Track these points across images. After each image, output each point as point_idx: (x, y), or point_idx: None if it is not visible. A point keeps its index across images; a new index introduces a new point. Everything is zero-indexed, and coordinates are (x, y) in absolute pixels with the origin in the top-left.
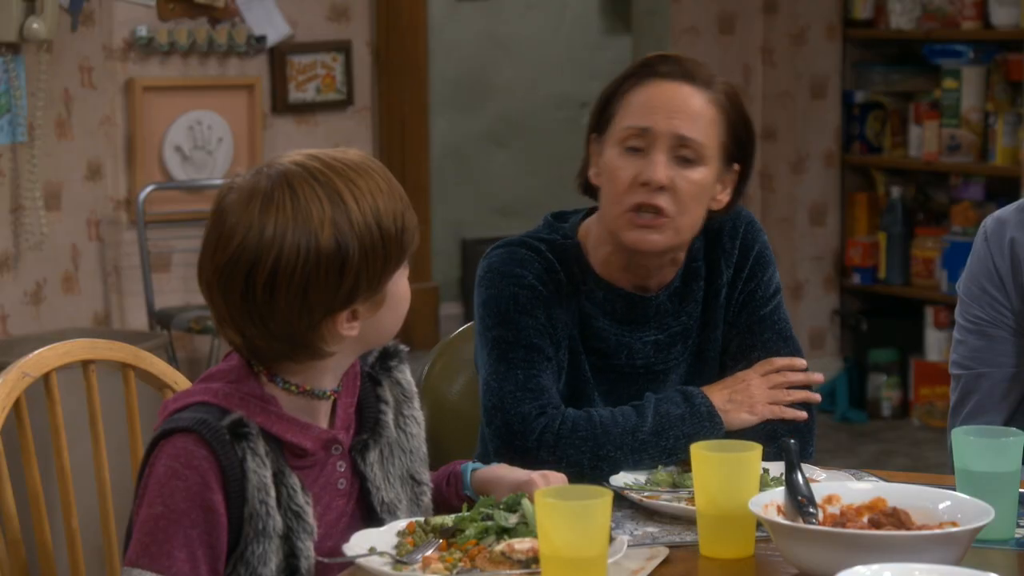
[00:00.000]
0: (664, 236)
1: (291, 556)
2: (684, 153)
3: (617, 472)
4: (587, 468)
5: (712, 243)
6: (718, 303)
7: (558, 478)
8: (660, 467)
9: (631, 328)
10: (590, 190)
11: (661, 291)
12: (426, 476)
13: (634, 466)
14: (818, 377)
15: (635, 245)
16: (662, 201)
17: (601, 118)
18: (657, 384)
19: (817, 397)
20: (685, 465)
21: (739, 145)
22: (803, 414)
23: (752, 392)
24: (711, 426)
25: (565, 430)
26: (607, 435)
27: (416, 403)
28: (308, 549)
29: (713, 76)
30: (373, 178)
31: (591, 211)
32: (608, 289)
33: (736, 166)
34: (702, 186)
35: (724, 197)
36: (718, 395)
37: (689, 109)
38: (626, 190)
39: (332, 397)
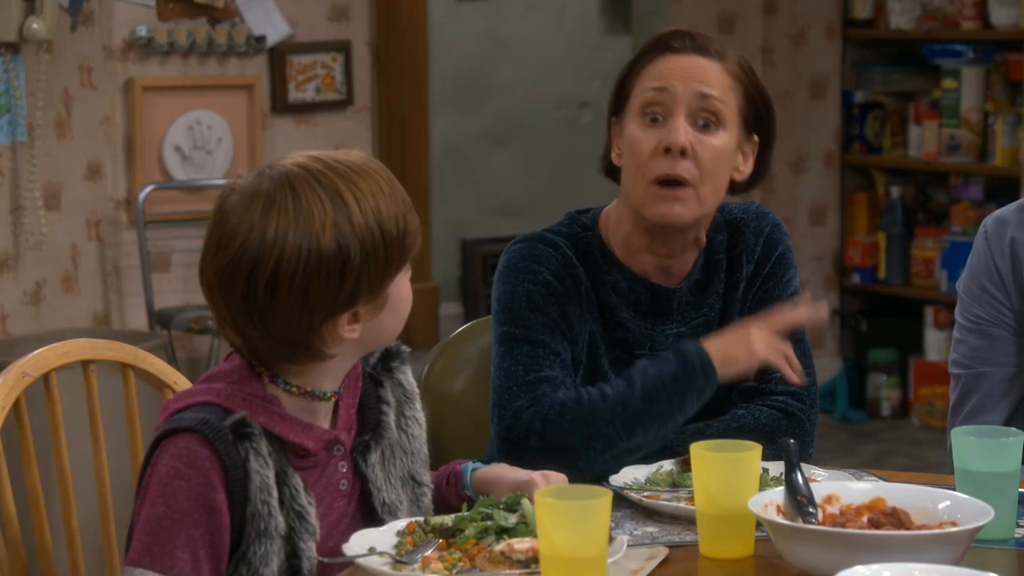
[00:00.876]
0: (688, 208)
1: (293, 557)
2: (704, 116)
3: (613, 450)
4: (581, 449)
5: (735, 239)
6: (735, 296)
7: (558, 478)
8: (660, 467)
9: (654, 321)
10: (612, 172)
11: (683, 283)
12: (427, 477)
13: (628, 439)
14: (824, 312)
15: (661, 219)
16: (684, 169)
17: (619, 98)
18: None
19: (824, 315)
20: (685, 464)
21: (757, 114)
22: (800, 380)
23: (752, 336)
24: (703, 378)
25: (553, 414)
26: (595, 412)
27: (418, 404)
28: (310, 550)
29: (726, 49)
30: (375, 180)
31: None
32: (633, 279)
33: (755, 137)
34: (723, 152)
35: (746, 168)
36: (716, 341)
37: (706, 75)
38: (648, 160)
39: (332, 399)
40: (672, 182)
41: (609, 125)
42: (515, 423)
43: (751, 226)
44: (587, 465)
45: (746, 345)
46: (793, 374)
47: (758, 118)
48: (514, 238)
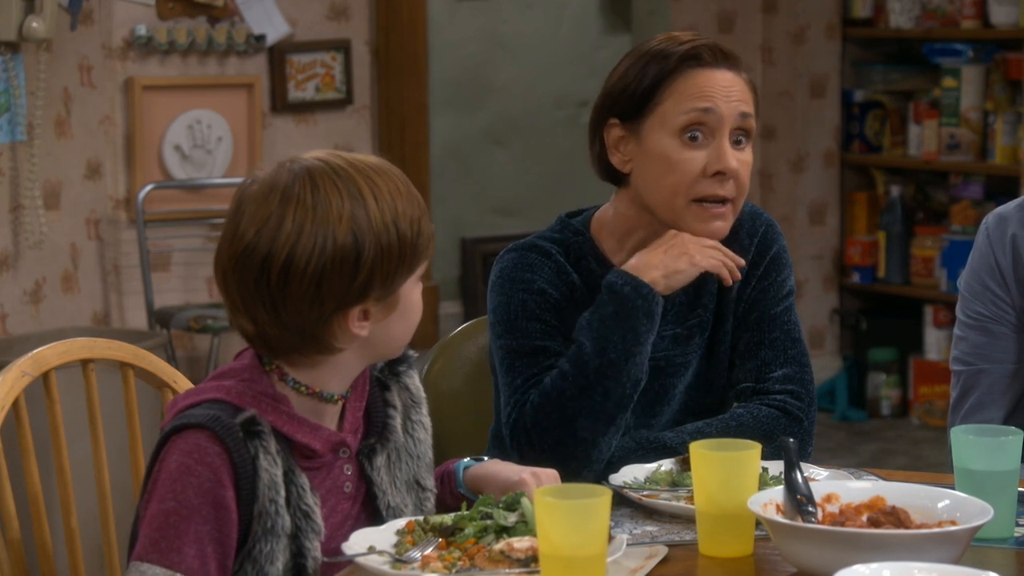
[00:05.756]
0: (728, 221)
1: (298, 556)
2: (740, 135)
3: (604, 415)
4: (569, 440)
5: (729, 239)
6: (730, 296)
7: (549, 476)
8: (659, 466)
9: None
10: (612, 175)
11: None
12: (431, 482)
13: (606, 398)
14: (741, 261)
15: (708, 235)
16: (729, 190)
17: (638, 107)
18: (677, 377)
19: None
20: (684, 464)
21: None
22: (729, 279)
23: (689, 248)
24: (643, 302)
25: (530, 420)
26: (562, 395)
27: (424, 409)
28: (315, 549)
29: (740, 58)
30: (393, 181)
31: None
32: None
33: None
34: (751, 164)
35: None
36: (651, 254)
37: (741, 92)
38: (693, 181)
39: (339, 402)
40: (717, 199)
41: (603, 127)
42: (512, 436)
43: (745, 226)
44: (595, 447)
45: (687, 257)
46: (731, 275)
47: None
48: (506, 247)
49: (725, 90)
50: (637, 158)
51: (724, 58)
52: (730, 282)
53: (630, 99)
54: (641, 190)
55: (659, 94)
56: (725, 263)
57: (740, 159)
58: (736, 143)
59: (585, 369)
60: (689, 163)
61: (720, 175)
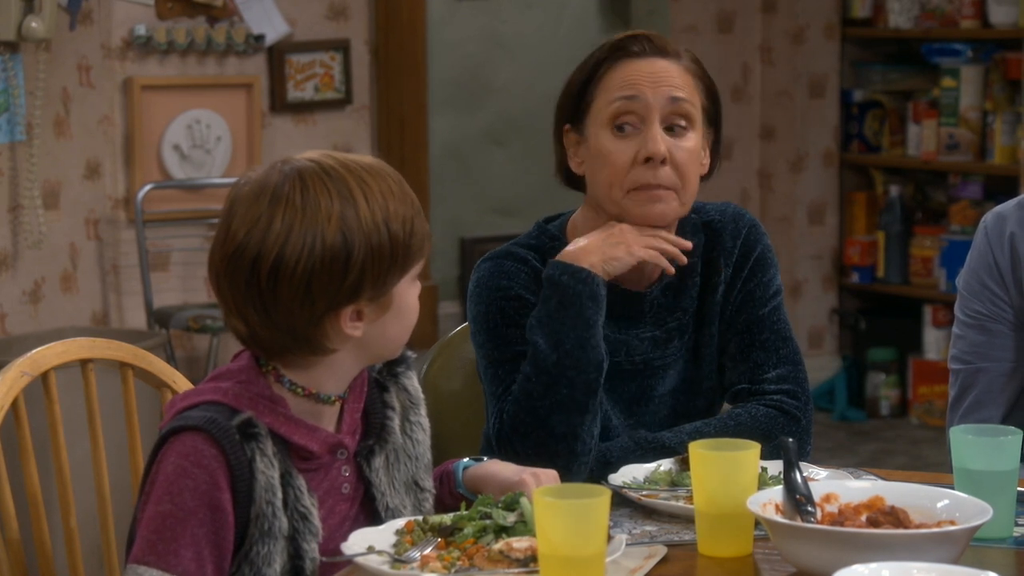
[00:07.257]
0: (670, 207)
1: (296, 557)
2: (676, 120)
3: (577, 405)
4: (549, 439)
5: (712, 241)
6: (714, 300)
7: (549, 476)
8: (658, 466)
9: (627, 325)
10: (573, 181)
11: (654, 286)
12: (429, 483)
13: (573, 387)
14: (687, 244)
15: (645, 220)
16: (664, 177)
17: (578, 107)
18: (656, 379)
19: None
20: (683, 464)
21: (715, 107)
22: (672, 268)
23: (627, 237)
24: (584, 287)
25: (509, 428)
26: (530, 398)
27: (422, 410)
28: (313, 551)
29: (679, 48)
30: (386, 181)
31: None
32: None
33: (711, 129)
34: (695, 153)
35: (707, 161)
36: (590, 241)
37: (672, 78)
38: (626, 171)
39: (337, 403)
40: (652, 186)
41: (561, 133)
42: (498, 447)
43: (728, 228)
44: (576, 439)
45: (625, 246)
46: (671, 263)
47: (716, 111)
48: (483, 256)
49: (652, 76)
50: (587, 159)
51: (653, 47)
52: (672, 271)
53: (572, 101)
54: (591, 189)
55: (592, 91)
56: (666, 252)
57: (677, 145)
58: (672, 130)
59: (545, 366)
60: (620, 153)
61: (650, 161)
